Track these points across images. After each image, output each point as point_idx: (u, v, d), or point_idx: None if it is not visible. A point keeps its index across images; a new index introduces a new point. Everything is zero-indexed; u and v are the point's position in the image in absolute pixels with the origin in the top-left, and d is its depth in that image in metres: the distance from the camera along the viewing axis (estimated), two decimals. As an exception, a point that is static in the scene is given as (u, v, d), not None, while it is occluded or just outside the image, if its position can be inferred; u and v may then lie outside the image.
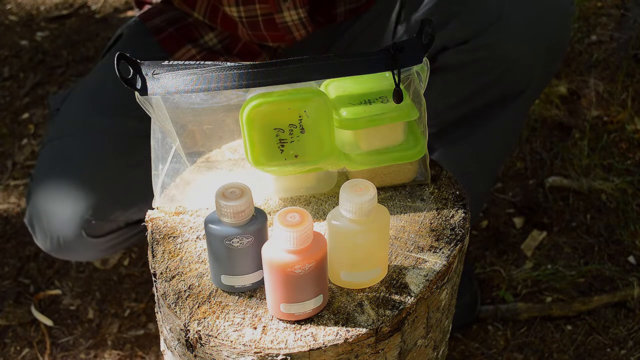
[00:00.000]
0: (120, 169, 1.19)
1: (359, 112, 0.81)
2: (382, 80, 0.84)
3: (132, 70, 0.77)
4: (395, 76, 0.79)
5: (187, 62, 0.79)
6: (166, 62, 0.78)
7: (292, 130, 0.79)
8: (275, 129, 0.79)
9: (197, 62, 0.79)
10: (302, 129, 0.79)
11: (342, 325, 0.73)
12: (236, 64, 0.77)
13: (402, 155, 0.84)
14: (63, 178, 1.20)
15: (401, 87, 0.79)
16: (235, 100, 0.81)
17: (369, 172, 0.86)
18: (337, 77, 0.82)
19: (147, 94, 0.77)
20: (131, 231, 1.28)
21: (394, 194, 0.88)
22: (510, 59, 1.14)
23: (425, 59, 0.80)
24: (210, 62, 0.78)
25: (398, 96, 0.79)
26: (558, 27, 1.16)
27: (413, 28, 1.16)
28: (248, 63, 0.77)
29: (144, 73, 0.77)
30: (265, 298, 0.76)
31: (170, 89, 0.77)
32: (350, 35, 1.28)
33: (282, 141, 0.79)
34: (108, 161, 1.20)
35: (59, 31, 2.34)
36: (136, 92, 0.78)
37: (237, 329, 0.74)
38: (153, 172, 0.86)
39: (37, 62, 2.21)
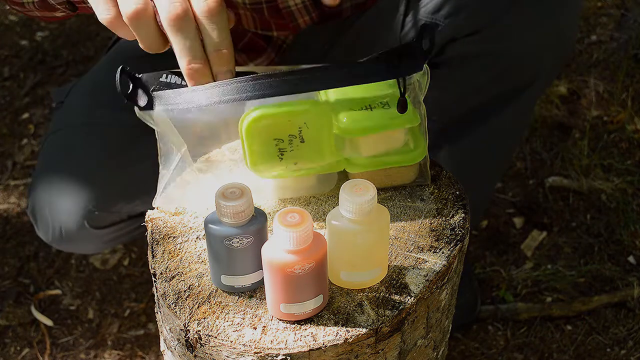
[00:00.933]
0: (125, 162, 1.19)
1: (360, 119, 0.81)
2: (383, 85, 0.83)
3: (132, 86, 0.77)
4: (401, 86, 0.78)
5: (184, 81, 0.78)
6: (164, 78, 0.78)
7: (291, 141, 0.79)
8: (275, 139, 0.79)
9: None
10: (302, 139, 0.79)
11: (342, 326, 0.73)
12: (235, 79, 0.76)
13: (402, 158, 0.84)
14: (66, 168, 1.19)
15: (406, 96, 0.79)
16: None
17: (369, 174, 0.86)
18: (339, 87, 0.82)
19: (147, 110, 0.77)
20: (134, 224, 1.28)
21: (394, 194, 0.88)
22: (519, 51, 1.13)
23: (425, 66, 0.80)
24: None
25: (402, 106, 0.78)
26: (567, 19, 1.15)
27: (421, 22, 1.16)
28: (249, 76, 0.76)
29: (143, 88, 0.77)
30: (265, 298, 0.76)
31: (169, 106, 0.77)
32: (356, 29, 1.28)
33: (281, 150, 0.80)
34: (112, 153, 1.19)
35: (59, 31, 2.34)
36: (135, 107, 0.78)
37: (237, 329, 0.74)
38: (160, 173, 0.86)
39: (37, 62, 2.21)
